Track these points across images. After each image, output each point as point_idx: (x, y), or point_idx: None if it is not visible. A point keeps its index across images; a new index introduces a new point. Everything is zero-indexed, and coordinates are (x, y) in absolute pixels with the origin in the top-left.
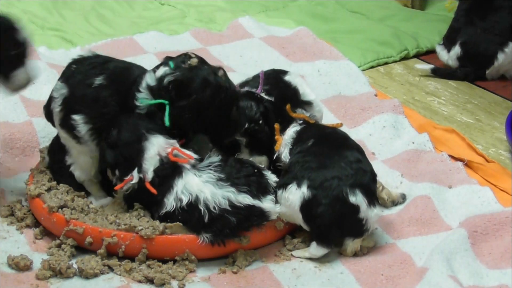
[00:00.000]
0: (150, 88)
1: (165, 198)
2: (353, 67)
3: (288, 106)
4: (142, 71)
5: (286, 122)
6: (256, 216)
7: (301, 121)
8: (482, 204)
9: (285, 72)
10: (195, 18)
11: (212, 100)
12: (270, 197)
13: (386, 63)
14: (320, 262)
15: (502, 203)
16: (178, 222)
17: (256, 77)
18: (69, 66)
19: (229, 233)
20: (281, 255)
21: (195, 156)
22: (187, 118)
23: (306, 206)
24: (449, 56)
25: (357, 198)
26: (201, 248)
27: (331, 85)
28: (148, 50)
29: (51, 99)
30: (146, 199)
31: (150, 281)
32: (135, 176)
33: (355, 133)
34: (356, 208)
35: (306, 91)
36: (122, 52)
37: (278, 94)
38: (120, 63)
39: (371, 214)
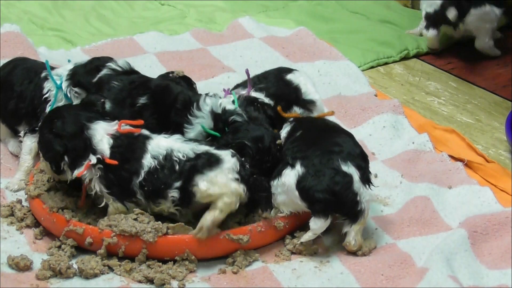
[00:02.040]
0: (213, 114)
1: (143, 159)
2: (353, 67)
3: (279, 108)
4: (181, 89)
5: (283, 120)
6: (211, 159)
7: (291, 119)
8: (482, 204)
9: (289, 71)
10: (195, 18)
11: (255, 156)
12: (227, 151)
13: (386, 63)
14: (320, 262)
15: (502, 203)
16: (179, 223)
17: (252, 79)
18: (107, 80)
19: (193, 174)
20: (281, 255)
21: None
22: None
23: (301, 181)
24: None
25: (350, 169)
26: (201, 248)
27: (331, 85)
28: (148, 50)
29: None
30: (125, 173)
31: (150, 281)
32: (92, 158)
33: (355, 133)
34: (349, 177)
35: (309, 90)
36: (122, 52)
37: (276, 92)
38: (158, 81)
39: (364, 191)
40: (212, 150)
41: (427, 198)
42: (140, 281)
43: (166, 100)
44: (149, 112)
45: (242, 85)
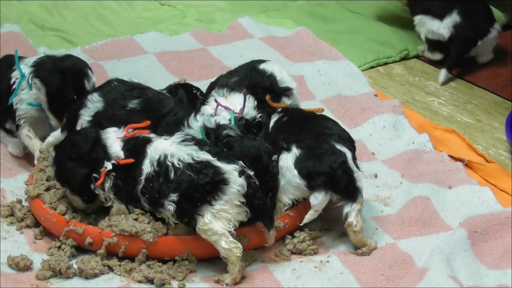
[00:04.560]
0: (205, 128)
1: (143, 165)
2: (353, 67)
3: (267, 97)
4: (176, 104)
5: (267, 109)
6: (212, 174)
7: (280, 109)
8: (482, 204)
9: (262, 61)
10: (195, 18)
11: (256, 176)
12: (233, 165)
13: (386, 63)
14: (320, 262)
15: (502, 203)
16: (183, 225)
17: (232, 71)
18: (109, 81)
19: (194, 192)
20: (281, 255)
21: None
22: None
23: (299, 162)
24: (444, 24)
25: (343, 148)
26: (201, 248)
27: (331, 85)
28: (148, 50)
29: (82, 105)
30: (130, 179)
31: (150, 281)
32: (108, 165)
33: (355, 133)
34: (343, 154)
35: (285, 78)
36: (122, 52)
37: (250, 83)
38: (158, 94)
39: (356, 170)
40: (215, 162)
41: (427, 198)
42: (140, 281)
43: (158, 112)
44: (137, 118)
45: (219, 85)
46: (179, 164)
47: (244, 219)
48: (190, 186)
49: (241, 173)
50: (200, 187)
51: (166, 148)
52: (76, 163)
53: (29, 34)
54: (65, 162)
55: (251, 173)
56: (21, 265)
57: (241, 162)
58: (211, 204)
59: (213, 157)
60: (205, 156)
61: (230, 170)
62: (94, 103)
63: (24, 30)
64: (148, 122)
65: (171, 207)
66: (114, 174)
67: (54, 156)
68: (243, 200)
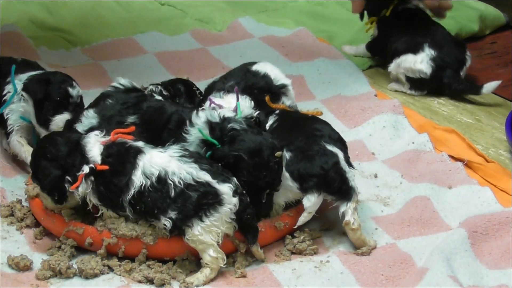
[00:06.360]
0: (209, 123)
1: (133, 175)
2: (353, 66)
3: (267, 98)
4: (175, 109)
5: (265, 109)
6: (211, 195)
7: (278, 111)
8: (482, 204)
9: (253, 63)
10: (195, 18)
11: (253, 170)
12: (229, 185)
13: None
14: (320, 262)
15: (502, 203)
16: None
17: (226, 75)
18: (104, 98)
19: (191, 210)
20: (281, 255)
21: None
22: (222, 163)
23: (290, 165)
24: (420, 59)
25: (334, 149)
26: None
27: (331, 85)
28: (148, 50)
29: (76, 120)
30: (114, 186)
31: (150, 281)
32: (85, 169)
33: (355, 133)
34: (335, 155)
35: (279, 76)
36: (122, 52)
37: (246, 85)
38: (153, 103)
39: (349, 170)
40: (215, 184)
41: (427, 198)
42: (140, 281)
43: (158, 121)
44: (137, 131)
45: (216, 91)
46: (180, 183)
47: (231, 234)
48: (189, 206)
49: (235, 192)
50: (198, 206)
51: (166, 164)
52: (50, 163)
53: (29, 34)
54: (40, 159)
55: (244, 192)
56: (21, 265)
57: (235, 179)
58: (201, 220)
59: (213, 178)
60: (205, 177)
61: (227, 190)
62: (89, 119)
63: (24, 30)
64: (133, 128)
65: (167, 223)
66: (92, 178)
67: (33, 150)
68: (233, 217)
